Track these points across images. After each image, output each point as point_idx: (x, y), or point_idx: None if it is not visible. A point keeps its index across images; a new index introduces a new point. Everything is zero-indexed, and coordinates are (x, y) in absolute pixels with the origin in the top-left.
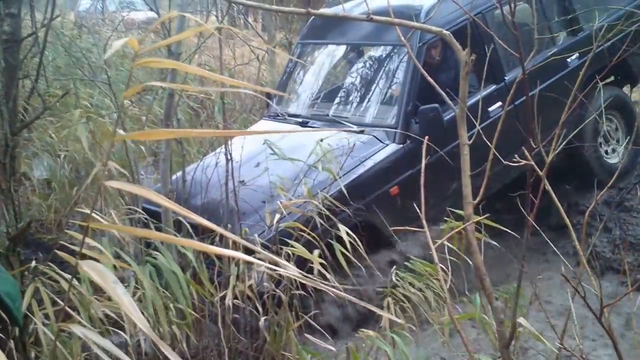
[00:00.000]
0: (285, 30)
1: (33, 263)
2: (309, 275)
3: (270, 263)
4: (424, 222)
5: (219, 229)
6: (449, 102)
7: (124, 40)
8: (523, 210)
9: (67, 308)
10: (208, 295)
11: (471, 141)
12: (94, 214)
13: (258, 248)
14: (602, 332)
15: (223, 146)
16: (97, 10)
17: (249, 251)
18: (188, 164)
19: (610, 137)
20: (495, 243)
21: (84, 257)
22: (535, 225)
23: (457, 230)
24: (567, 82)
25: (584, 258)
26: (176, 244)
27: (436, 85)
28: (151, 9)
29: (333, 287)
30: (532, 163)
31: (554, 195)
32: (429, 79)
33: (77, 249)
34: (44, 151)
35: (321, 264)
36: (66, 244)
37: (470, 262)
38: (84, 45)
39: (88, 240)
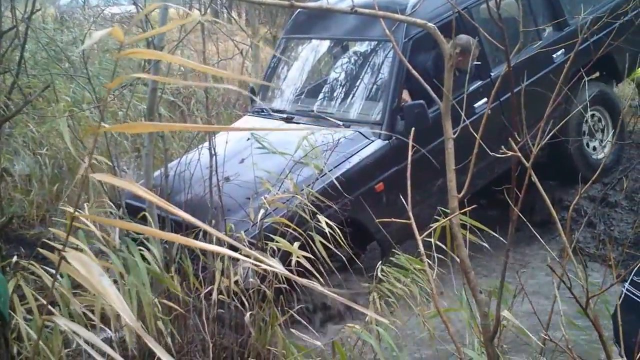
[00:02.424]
0: (269, 24)
1: (14, 258)
2: (292, 271)
3: (255, 259)
4: (410, 214)
5: (204, 226)
6: (435, 96)
7: (106, 30)
8: (509, 201)
9: (50, 303)
10: (193, 290)
11: (455, 135)
12: (63, 208)
13: (242, 245)
14: (588, 323)
15: (207, 142)
16: (79, 4)
17: (234, 247)
18: (171, 159)
19: (594, 132)
20: (480, 241)
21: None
22: (521, 216)
23: (442, 222)
24: (553, 78)
25: (569, 249)
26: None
27: (422, 80)
28: (134, 3)
29: (317, 282)
30: (519, 154)
31: (540, 186)
32: (415, 73)
33: (59, 245)
34: (25, 147)
35: (307, 258)
36: (49, 242)
37: (456, 257)
38: (65, 39)
39: (71, 238)
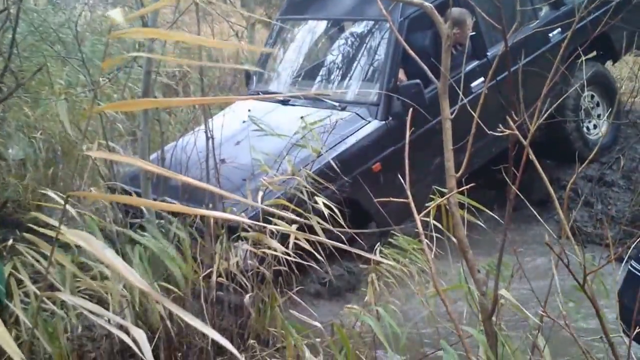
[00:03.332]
0: (265, 5)
1: (10, 241)
2: (291, 253)
3: (254, 240)
4: (409, 193)
5: (208, 186)
6: (432, 76)
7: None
8: (507, 180)
9: (47, 288)
10: (192, 272)
11: (453, 116)
12: (51, 194)
13: (244, 220)
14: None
15: (203, 124)
16: None
17: (231, 231)
18: (167, 143)
19: (591, 112)
20: (478, 222)
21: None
22: (520, 194)
23: (440, 201)
24: (550, 57)
25: (566, 226)
26: (159, 225)
27: (419, 60)
28: None
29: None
30: (516, 132)
31: (537, 164)
32: (412, 53)
33: (50, 231)
34: (18, 131)
35: (306, 240)
36: (36, 228)
37: (453, 238)
38: (57, 20)
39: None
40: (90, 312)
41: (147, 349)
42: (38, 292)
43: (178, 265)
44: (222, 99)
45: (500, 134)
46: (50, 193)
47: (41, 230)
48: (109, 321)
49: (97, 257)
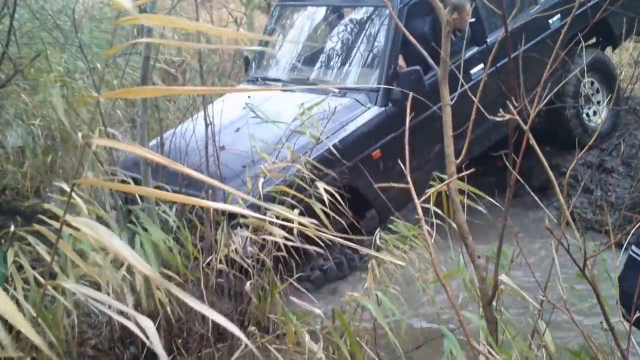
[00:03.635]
0: None
1: (12, 228)
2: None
3: (254, 227)
4: (409, 178)
5: (209, 180)
6: (432, 62)
7: None
8: (507, 164)
9: (49, 275)
10: (192, 260)
11: (453, 102)
12: (59, 184)
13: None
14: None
15: (202, 111)
16: None
17: (231, 217)
18: (166, 129)
19: (591, 99)
20: (478, 207)
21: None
22: (520, 179)
23: (440, 187)
24: (550, 43)
25: (566, 211)
26: (158, 210)
27: (419, 46)
28: None
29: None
30: (516, 117)
31: (538, 149)
32: (412, 39)
33: (54, 220)
34: (17, 118)
35: (307, 226)
36: (43, 217)
37: (454, 224)
38: (55, 7)
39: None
40: (94, 299)
41: (155, 338)
42: (42, 280)
43: (176, 254)
44: (224, 89)
45: (501, 119)
46: (60, 183)
47: (44, 218)
48: (120, 312)
49: (104, 245)
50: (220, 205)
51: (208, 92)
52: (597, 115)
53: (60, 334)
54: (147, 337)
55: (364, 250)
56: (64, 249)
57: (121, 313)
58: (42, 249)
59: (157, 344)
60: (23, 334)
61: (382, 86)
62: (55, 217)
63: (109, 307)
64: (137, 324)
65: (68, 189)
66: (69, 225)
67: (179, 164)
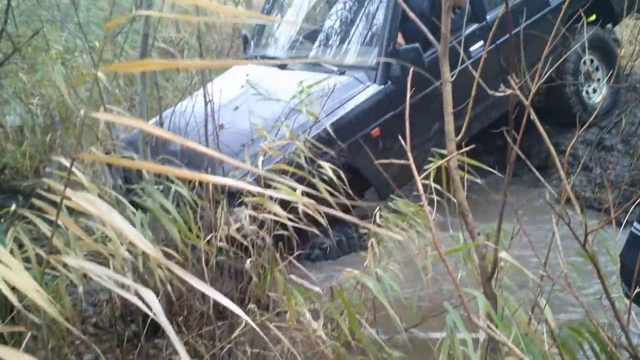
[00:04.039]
0: None
1: (13, 206)
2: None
3: (254, 205)
4: (409, 154)
5: (212, 152)
6: (432, 38)
7: None
8: (508, 139)
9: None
10: (194, 238)
11: (453, 79)
12: (59, 159)
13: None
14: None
15: (201, 90)
16: None
17: (231, 196)
18: (165, 109)
19: (591, 76)
20: (478, 181)
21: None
22: (521, 154)
23: (440, 163)
24: (549, 20)
25: (567, 185)
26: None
27: (419, 22)
28: None
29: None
30: (517, 92)
31: (539, 124)
32: (413, 15)
33: (55, 195)
34: (15, 97)
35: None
36: (43, 193)
37: (453, 199)
38: None
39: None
40: (96, 274)
41: (158, 308)
42: (43, 254)
43: (177, 227)
44: (222, 63)
45: (502, 93)
46: (60, 158)
47: (44, 194)
48: (122, 287)
49: (103, 220)
50: (221, 179)
51: (206, 66)
52: (597, 92)
53: (65, 311)
54: (151, 310)
55: (363, 224)
56: (66, 223)
57: (123, 288)
58: (43, 226)
59: (160, 315)
60: (23, 314)
61: (382, 59)
62: (55, 194)
63: (112, 282)
64: (139, 297)
65: (67, 164)
66: (69, 201)
67: (179, 137)
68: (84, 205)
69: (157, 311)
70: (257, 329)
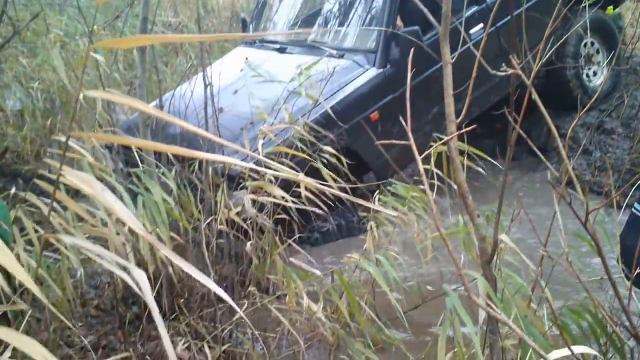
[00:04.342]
0: None
1: (13, 189)
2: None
3: (253, 189)
4: (410, 135)
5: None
6: (433, 20)
7: None
8: (507, 124)
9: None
10: (194, 221)
11: (453, 60)
12: (57, 138)
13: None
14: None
15: (200, 73)
16: None
17: (231, 179)
18: (164, 92)
19: (591, 59)
20: (478, 168)
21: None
22: (522, 134)
23: (441, 143)
24: (550, 2)
25: (569, 165)
26: (158, 173)
27: (419, 3)
28: None
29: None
30: (519, 71)
31: (540, 104)
32: None
33: (55, 170)
34: (16, 81)
35: (307, 188)
36: (45, 174)
37: (454, 184)
38: None
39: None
40: (94, 253)
41: (146, 288)
42: (41, 231)
43: (177, 213)
44: (219, 36)
45: (503, 73)
46: (59, 137)
47: (45, 173)
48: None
49: (97, 199)
50: (220, 157)
51: (205, 39)
52: (598, 75)
53: (67, 293)
54: (140, 289)
55: (364, 203)
56: (65, 201)
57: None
58: (42, 206)
59: (147, 294)
60: (25, 296)
61: (385, 31)
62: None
63: (111, 262)
64: (131, 276)
65: (62, 139)
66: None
67: (177, 119)
68: (78, 183)
69: (145, 290)
70: (245, 318)
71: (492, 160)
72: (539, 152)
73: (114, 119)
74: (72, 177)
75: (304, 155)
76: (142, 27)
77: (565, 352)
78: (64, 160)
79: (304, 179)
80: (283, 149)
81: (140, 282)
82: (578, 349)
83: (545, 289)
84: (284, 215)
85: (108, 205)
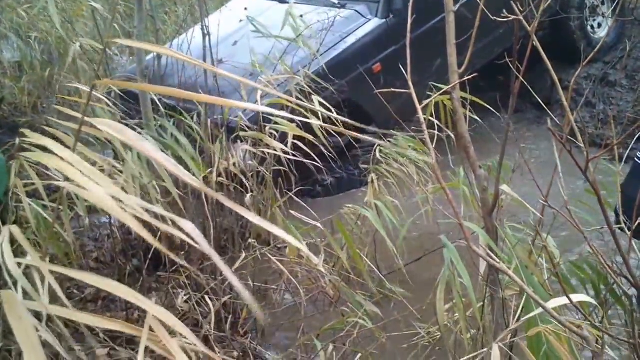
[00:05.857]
0: None
1: (17, 140)
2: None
3: (254, 140)
4: (410, 84)
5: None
6: None
7: None
8: (510, 76)
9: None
10: (190, 172)
11: (456, 8)
12: (77, 86)
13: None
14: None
15: (199, 23)
16: None
17: (230, 131)
18: (163, 43)
19: (595, 10)
20: (479, 119)
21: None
22: (525, 82)
23: (443, 91)
24: None
25: (570, 115)
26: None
27: None
28: None
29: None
30: (520, 18)
31: (543, 53)
32: None
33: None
34: (13, 32)
35: (305, 142)
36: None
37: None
38: None
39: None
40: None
41: (201, 238)
42: (36, 181)
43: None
44: None
45: (505, 19)
46: (77, 84)
47: (59, 122)
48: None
49: (133, 147)
50: (223, 100)
51: None
52: (602, 27)
53: (68, 244)
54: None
55: (367, 139)
56: (80, 149)
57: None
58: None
59: (204, 244)
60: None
61: None
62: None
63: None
64: (179, 228)
65: (86, 89)
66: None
67: (195, 59)
68: (109, 131)
69: (201, 242)
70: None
71: (495, 111)
72: (541, 102)
73: (109, 69)
74: (101, 125)
75: (307, 105)
76: None
77: (564, 300)
78: (86, 108)
79: (294, 129)
80: (283, 101)
81: (193, 233)
82: (577, 298)
83: (549, 237)
84: (283, 168)
85: (150, 154)
